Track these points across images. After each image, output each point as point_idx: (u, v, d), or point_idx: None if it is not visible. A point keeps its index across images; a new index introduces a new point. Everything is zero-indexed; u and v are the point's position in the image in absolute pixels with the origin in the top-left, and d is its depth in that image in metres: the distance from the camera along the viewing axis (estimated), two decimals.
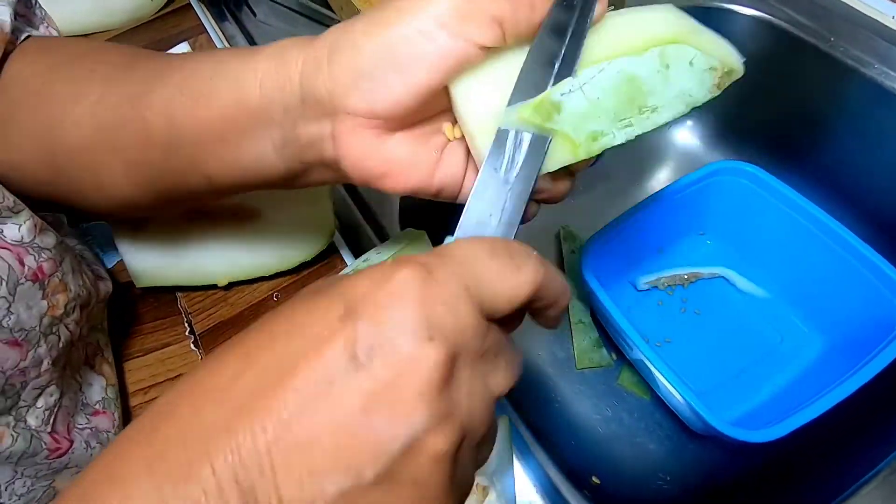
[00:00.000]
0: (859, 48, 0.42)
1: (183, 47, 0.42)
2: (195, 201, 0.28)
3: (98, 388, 0.28)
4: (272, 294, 0.35)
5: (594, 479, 0.41)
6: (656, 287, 0.49)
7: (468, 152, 0.22)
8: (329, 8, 0.52)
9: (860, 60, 0.41)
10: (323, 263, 0.36)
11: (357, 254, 0.36)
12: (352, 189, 0.42)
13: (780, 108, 0.49)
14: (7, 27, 0.24)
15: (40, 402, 0.24)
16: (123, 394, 0.31)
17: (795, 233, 0.42)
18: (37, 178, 0.26)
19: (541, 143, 0.20)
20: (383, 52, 0.19)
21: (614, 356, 0.47)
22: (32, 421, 0.24)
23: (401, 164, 0.21)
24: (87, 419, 0.27)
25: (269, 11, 0.54)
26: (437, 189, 0.22)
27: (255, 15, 0.53)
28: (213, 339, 0.33)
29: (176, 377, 0.32)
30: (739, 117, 0.53)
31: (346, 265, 0.35)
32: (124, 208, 0.26)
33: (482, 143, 0.21)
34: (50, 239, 0.25)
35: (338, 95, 0.20)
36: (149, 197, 0.25)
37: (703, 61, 0.21)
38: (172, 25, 0.51)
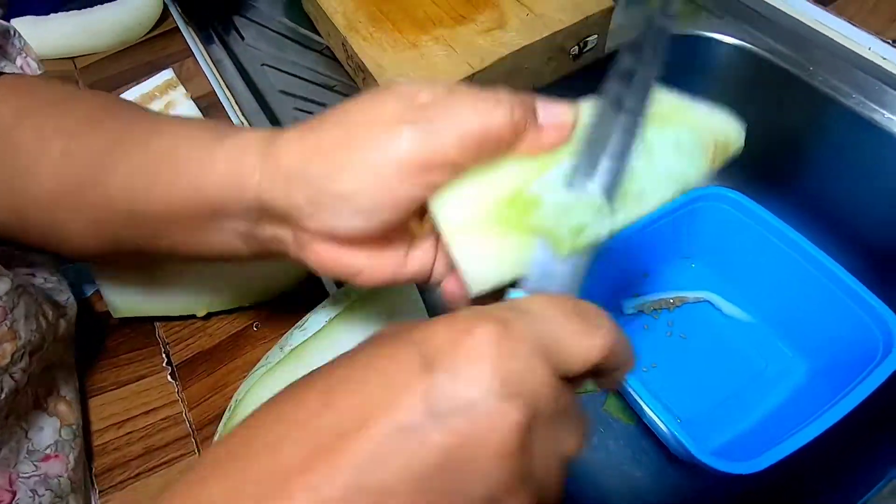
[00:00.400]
0: (837, 78, 0.42)
1: (167, 74, 0.42)
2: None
3: (50, 432, 0.27)
4: (252, 324, 0.34)
5: None
6: (642, 311, 0.50)
7: (437, 240, 0.22)
8: (317, 33, 0.52)
9: (839, 90, 0.42)
10: (302, 293, 0.35)
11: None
12: None
13: (762, 135, 0.49)
14: None
15: None
16: (87, 430, 0.30)
17: (778, 259, 0.43)
18: (4, 223, 0.25)
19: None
20: (341, 197, 0.18)
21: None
22: None
23: (369, 266, 0.21)
24: (35, 466, 0.26)
25: (258, 35, 0.54)
26: (407, 279, 0.22)
27: (242, 38, 0.53)
28: (190, 370, 0.33)
29: (151, 411, 0.31)
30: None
31: (328, 293, 0.35)
32: (93, 257, 0.26)
33: (462, 255, 0.19)
34: (3, 285, 0.24)
35: (295, 217, 0.19)
36: (116, 252, 0.25)
37: (691, 140, 0.20)
38: (160, 48, 0.51)
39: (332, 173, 0.18)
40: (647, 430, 0.43)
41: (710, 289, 0.49)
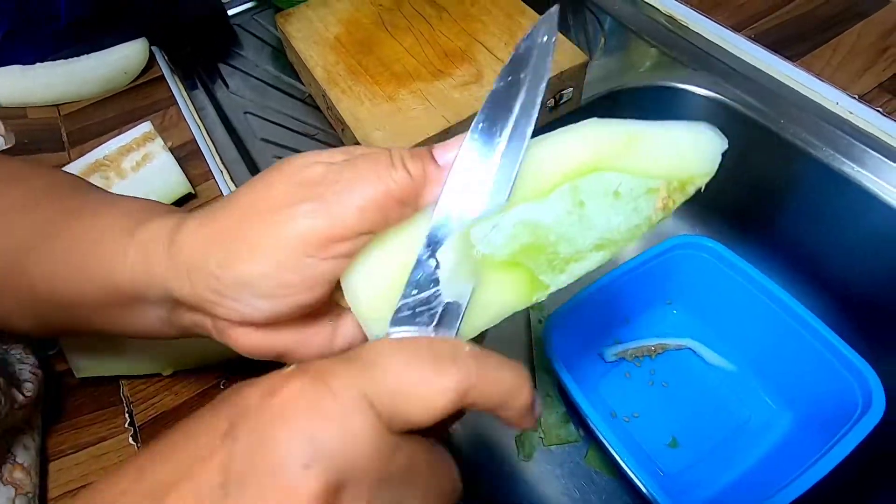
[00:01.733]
0: (807, 131, 0.43)
1: (145, 126, 0.43)
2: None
3: (3, 501, 0.26)
4: (219, 382, 0.34)
5: None
6: (624, 358, 0.49)
7: None
8: (300, 81, 0.53)
9: (809, 143, 0.43)
10: None
11: None
12: None
13: (738, 184, 0.50)
14: None
15: None
16: (43, 498, 0.29)
17: (757, 309, 0.43)
18: None
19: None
20: (241, 284, 0.18)
21: (582, 432, 0.46)
22: None
23: (295, 344, 0.20)
24: None
25: (242, 83, 0.55)
26: (339, 349, 0.21)
27: (227, 86, 0.54)
28: (154, 430, 0.32)
29: None
30: (700, 189, 0.54)
31: None
32: (35, 335, 0.25)
33: (375, 330, 0.18)
34: None
35: (205, 307, 0.19)
36: (52, 331, 0.24)
37: (634, 186, 0.17)
38: (144, 96, 0.51)
39: (228, 261, 0.18)
40: (630, 483, 0.42)
41: (691, 336, 0.49)
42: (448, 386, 0.15)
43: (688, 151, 0.18)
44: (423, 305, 0.17)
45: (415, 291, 0.18)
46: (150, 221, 0.21)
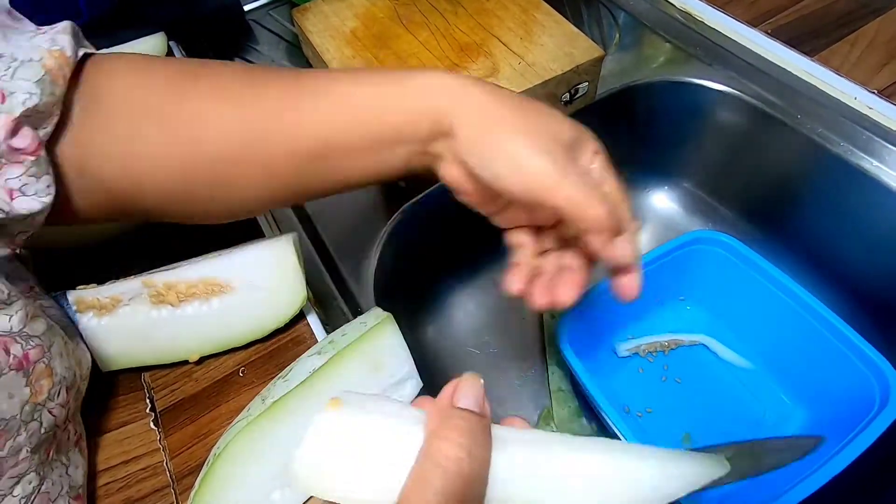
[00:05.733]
0: (824, 125, 0.43)
1: None
2: (311, 198, 0.32)
3: (81, 473, 0.27)
4: (239, 369, 0.34)
5: None
6: (637, 353, 0.49)
7: None
8: None
9: (826, 138, 0.43)
10: (292, 336, 0.35)
11: (328, 324, 0.36)
12: (328, 260, 0.42)
13: (754, 179, 0.50)
14: (69, 51, 0.25)
15: (17, 491, 0.23)
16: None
17: (772, 304, 0.42)
18: (159, 190, 0.26)
19: None
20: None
21: (594, 426, 0.46)
22: None
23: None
24: (69, 503, 0.26)
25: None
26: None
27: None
28: (174, 416, 0.32)
29: (131, 460, 0.31)
30: (716, 185, 0.54)
31: (316, 339, 0.35)
32: (239, 215, 0.29)
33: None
34: (40, 326, 0.25)
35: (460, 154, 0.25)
36: (275, 201, 0.28)
37: None
38: None
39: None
40: None
41: (705, 332, 0.48)
42: None
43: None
44: None
45: None
46: (420, 75, 0.25)
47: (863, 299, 0.44)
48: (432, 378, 0.47)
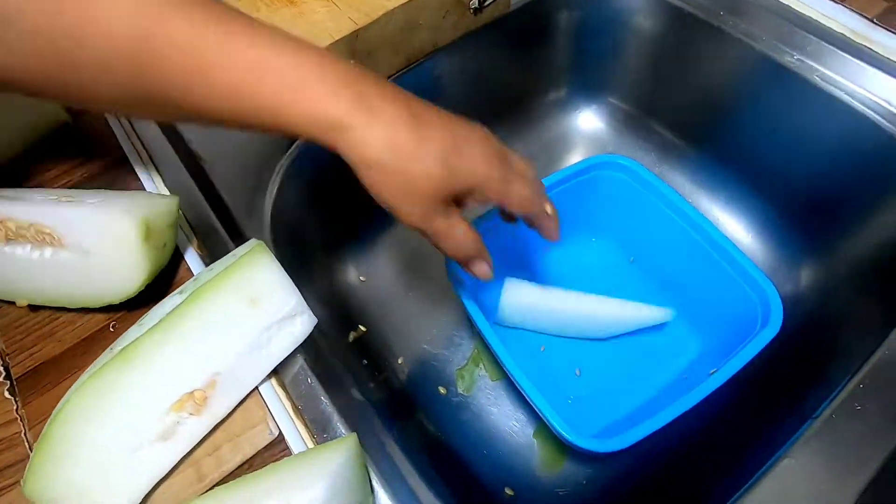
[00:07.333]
0: (748, 22, 0.40)
1: None
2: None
3: None
4: (109, 324, 0.30)
5: (507, 490, 0.39)
6: None
7: None
8: None
9: (749, 34, 0.40)
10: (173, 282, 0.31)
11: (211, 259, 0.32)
12: (213, 197, 0.37)
13: (682, 89, 0.47)
14: None
15: None
16: None
17: (669, 229, 0.41)
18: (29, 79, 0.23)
19: None
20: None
21: None
22: None
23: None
24: None
25: None
26: None
27: None
28: (34, 382, 0.29)
29: None
30: (645, 98, 0.51)
31: (192, 274, 0.31)
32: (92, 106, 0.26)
33: None
34: None
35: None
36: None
37: None
38: None
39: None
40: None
41: (611, 265, 0.46)
42: None
43: None
44: None
45: None
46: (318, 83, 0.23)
47: (796, 201, 0.43)
48: (361, 320, 0.44)
